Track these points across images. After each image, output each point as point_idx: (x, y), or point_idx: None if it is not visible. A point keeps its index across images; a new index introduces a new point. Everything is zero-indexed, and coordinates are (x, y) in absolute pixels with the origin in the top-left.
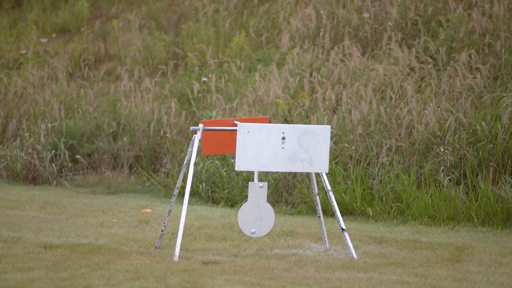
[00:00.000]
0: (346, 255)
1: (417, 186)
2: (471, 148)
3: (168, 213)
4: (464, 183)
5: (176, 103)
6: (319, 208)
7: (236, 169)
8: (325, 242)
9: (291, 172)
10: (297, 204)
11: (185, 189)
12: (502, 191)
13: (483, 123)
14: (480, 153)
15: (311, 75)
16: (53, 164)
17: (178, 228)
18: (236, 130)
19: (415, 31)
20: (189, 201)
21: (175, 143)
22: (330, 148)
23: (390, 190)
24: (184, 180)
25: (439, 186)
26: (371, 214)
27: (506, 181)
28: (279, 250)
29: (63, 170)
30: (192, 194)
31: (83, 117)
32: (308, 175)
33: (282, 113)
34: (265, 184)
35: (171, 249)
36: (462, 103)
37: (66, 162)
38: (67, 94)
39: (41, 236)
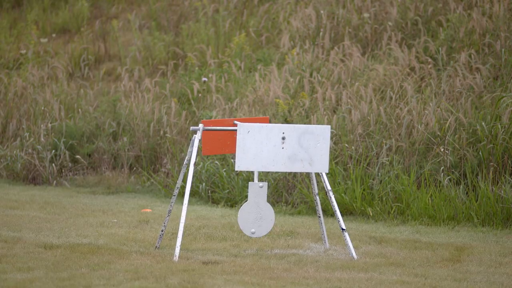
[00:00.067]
0: (346, 255)
1: (417, 186)
2: (471, 148)
3: (168, 213)
4: (464, 183)
5: (176, 103)
6: (319, 208)
7: (236, 169)
8: (325, 242)
9: (291, 172)
10: (297, 204)
11: (185, 189)
12: (502, 191)
13: (483, 123)
14: (480, 153)
15: (311, 75)
16: (53, 164)
17: (178, 228)
18: (236, 130)
19: (415, 31)
20: (189, 201)
21: (175, 143)
22: (330, 148)
23: (390, 190)
24: (184, 180)
25: (439, 186)
26: (371, 214)
27: (506, 181)
28: (279, 250)
29: (63, 170)
30: (192, 194)
31: (83, 117)
32: (308, 175)
33: (282, 113)
34: (265, 184)
35: (171, 249)
36: (462, 103)
37: (66, 162)
38: (67, 94)
39: (41, 236)
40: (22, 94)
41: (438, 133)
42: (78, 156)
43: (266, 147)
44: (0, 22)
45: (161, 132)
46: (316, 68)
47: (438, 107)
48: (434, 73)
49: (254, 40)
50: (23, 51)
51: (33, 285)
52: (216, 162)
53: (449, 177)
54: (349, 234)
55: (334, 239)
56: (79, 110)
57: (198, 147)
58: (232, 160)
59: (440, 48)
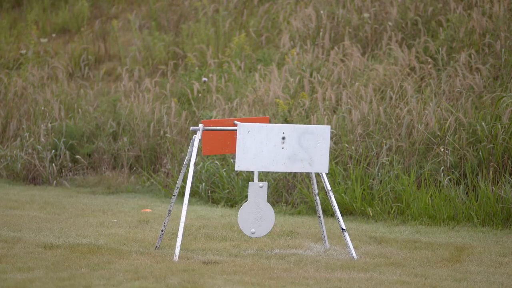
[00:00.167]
0: (346, 255)
1: (417, 186)
2: (471, 148)
3: (168, 213)
4: (464, 183)
5: (176, 103)
6: (319, 208)
7: (236, 169)
8: (325, 242)
9: (291, 172)
10: (297, 204)
11: (185, 189)
12: (502, 191)
13: (483, 123)
14: (480, 153)
15: (311, 75)
16: (53, 164)
17: (178, 228)
18: (236, 130)
19: (415, 31)
20: (189, 201)
21: (175, 143)
22: (330, 148)
23: (390, 190)
24: (184, 180)
25: (439, 186)
26: (371, 214)
27: (506, 181)
28: (279, 250)
29: (63, 170)
30: (192, 194)
31: (83, 117)
32: (308, 175)
33: (282, 113)
34: (265, 184)
35: (171, 249)
36: (462, 103)
37: (66, 162)
38: (67, 94)
39: (41, 236)
40: (22, 94)
41: (438, 133)
42: (78, 156)
43: (266, 147)
44: (0, 22)
45: (161, 132)
46: (316, 68)
47: (438, 107)
48: (434, 73)
49: (254, 40)
50: (23, 51)
51: (33, 285)
52: (216, 162)
53: (449, 177)
54: (349, 234)
55: (334, 239)
56: (79, 110)
57: (198, 147)
58: (232, 160)
59: (440, 48)
